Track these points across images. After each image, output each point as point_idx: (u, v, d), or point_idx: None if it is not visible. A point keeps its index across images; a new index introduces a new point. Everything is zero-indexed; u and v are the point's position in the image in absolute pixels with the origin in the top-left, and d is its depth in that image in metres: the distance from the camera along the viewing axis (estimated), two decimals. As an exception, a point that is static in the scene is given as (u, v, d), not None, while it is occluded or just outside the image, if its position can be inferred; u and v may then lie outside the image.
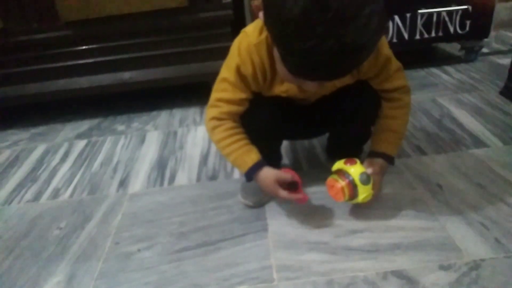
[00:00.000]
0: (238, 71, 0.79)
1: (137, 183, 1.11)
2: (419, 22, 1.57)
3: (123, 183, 1.11)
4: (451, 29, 1.60)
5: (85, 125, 1.53)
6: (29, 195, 1.11)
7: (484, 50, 1.77)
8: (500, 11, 1.76)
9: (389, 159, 0.89)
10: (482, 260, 0.75)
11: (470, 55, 1.73)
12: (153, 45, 1.40)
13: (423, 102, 1.40)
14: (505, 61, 1.70)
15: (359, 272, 0.75)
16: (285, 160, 1.12)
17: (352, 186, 0.81)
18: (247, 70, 0.78)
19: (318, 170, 1.07)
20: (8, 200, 1.10)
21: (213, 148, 1.24)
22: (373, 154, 0.89)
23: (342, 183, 0.81)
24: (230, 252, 0.83)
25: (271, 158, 1.01)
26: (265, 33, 0.76)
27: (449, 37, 1.63)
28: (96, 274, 0.81)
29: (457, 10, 1.56)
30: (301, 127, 0.98)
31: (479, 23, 1.60)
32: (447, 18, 1.57)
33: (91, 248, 0.88)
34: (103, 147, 1.33)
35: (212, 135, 0.86)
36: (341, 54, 0.57)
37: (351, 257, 0.79)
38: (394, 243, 0.81)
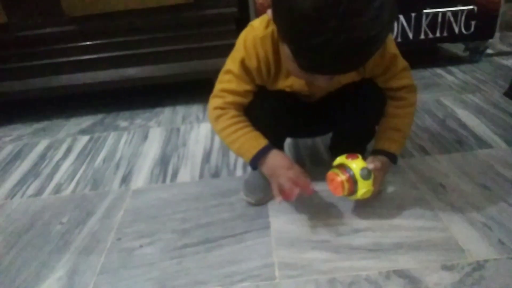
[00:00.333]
0: (243, 63, 0.79)
1: (139, 179, 1.11)
2: (424, 22, 1.57)
3: (125, 179, 1.11)
4: (456, 30, 1.59)
5: (88, 120, 1.53)
6: (31, 190, 1.11)
7: (489, 51, 1.77)
8: (505, 12, 1.75)
9: (392, 158, 0.89)
10: (486, 260, 0.74)
11: (475, 55, 1.73)
12: (158, 41, 1.39)
13: (427, 102, 1.40)
14: (509, 62, 1.70)
15: (361, 271, 0.75)
16: (288, 158, 1.12)
17: (353, 180, 0.80)
18: (252, 63, 0.79)
19: (321, 169, 1.06)
20: (11, 195, 1.10)
21: (216, 145, 1.24)
22: (376, 152, 0.89)
23: (342, 177, 0.80)
24: (232, 249, 0.83)
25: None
26: (271, 27, 0.76)
27: (453, 38, 1.62)
28: (98, 269, 0.81)
29: (462, 11, 1.56)
30: (305, 124, 0.97)
31: (484, 23, 1.59)
32: (452, 18, 1.57)
33: (93, 243, 0.88)
34: (106, 143, 1.33)
35: (215, 124, 0.85)
36: (354, 47, 0.58)
37: (354, 256, 0.78)
38: (397, 243, 0.80)
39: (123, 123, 1.48)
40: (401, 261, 0.76)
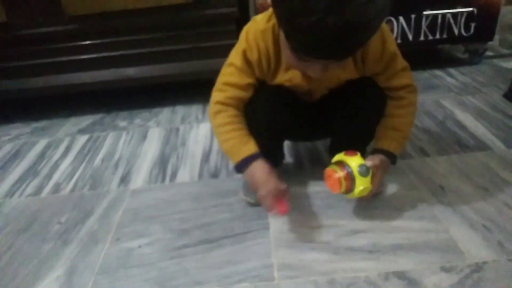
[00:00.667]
0: (245, 55, 0.81)
1: (138, 179, 1.11)
2: (424, 23, 1.57)
3: (124, 179, 1.11)
4: (456, 31, 1.59)
5: (87, 120, 1.53)
6: (30, 189, 1.11)
7: (489, 53, 1.77)
8: (505, 14, 1.75)
9: (391, 157, 0.88)
10: (485, 262, 0.74)
11: (474, 57, 1.73)
12: (157, 41, 1.39)
13: (426, 104, 1.40)
14: (509, 64, 1.70)
15: (360, 273, 0.75)
16: (288, 159, 1.12)
17: (350, 178, 0.79)
18: (253, 55, 0.80)
19: (320, 170, 1.06)
20: (9, 194, 1.10)
21: (215, 145, 1.24)
22: (375, 151, 0.89)
23: (340, 173, 0.79)
24: (231, 250, 0.83)
25: (273, 155, 1.01)
26: (272, 21, 0.77)
27: (453, 39, 1.62)
28: (97, 269, 0.81)
29: (462, 12, 1.56)
30: (304, 125, 0.97)
31: (484, 25, 1.59)
32: (452, 20, 1.57)
33: (91, 243, 0.88)
34: (105, 143, 1.33)
35: (213, 119, 0.86)
36: (344, 31, 0.58)
37: (353, 257, 0.78)
38: (396, 244, 0.80)
39: (122, 123, 1.47)
40: (400, 262, 0.76)
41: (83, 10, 1.30)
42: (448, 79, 1.61)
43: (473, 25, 1.58)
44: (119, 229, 0.92)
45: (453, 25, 1.58)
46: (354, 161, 0.80)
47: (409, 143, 1.15)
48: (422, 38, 1.60)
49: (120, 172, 1.15)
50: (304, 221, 0.89)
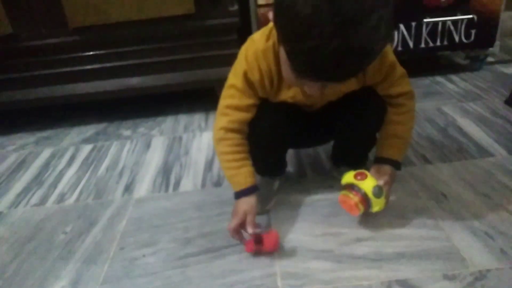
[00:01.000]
0: (246, 77, 0.80)
1: (142, 188, 1.11)
2: (424, 30, 1.58)
3: (128, 188, 1.12)
4: (456, 38, 1.60)
5: (91, 129, 1.54)
6: (35, 199, 1.12)
7: (489, 59, 1.77)
8: (506, 20, 1.76)
9: (396, 165, 0.89)
10: (487, 270, 0.74)
11: (475, 64, 1.74)
12: (160, 51, 1.41)
13: (427, 111, 1.40)
14: (510, 70, 1.71)
15: (363, 281, 0.75)
16: (290, 167, 1.12)
17: (366, 200, 0.81)
18: (254, 76, 0.79)
19: (322, 177, 1.07)
20: (14, 204, 1.11)
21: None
22: (380, 160, 0.89)
23: (355, 198, 0.81)
24: (234, 258, 0.83)
25: (276, 165, 1.02)
26: (272, 40, 0.77)
27: (454, 46, 1.63)
28: (101, 279, 0.81)
29: (462, 19, 1.57)
30: (306, 134, 0.98)
31: (484, 32, 1.60)
32: (452, 27, 1.58)
33: (96, 252, 0.89)
34: (109, 152, 1.34)
35: (217, 146, 0.87)
36: (345, 56, 0.58)
37: (356, 265, 0.79)
38: (398, 252, 0.81)
39: (126, 132, 1.49)
40: (403, 270, 0.76)
41: (86, 21, 1.31)
42: (449, 85, 1.62)
43: (473, 32, 1.59)
44: (123, 238, 0.92)
45: (454, 32, 1.59)
46: (367, 184, 0.81)
47: (411, 150, 1.16)
48: (423, 45, 1.60)
49: (124, 181, 1.16)
50: (307, 229, 0.89)
